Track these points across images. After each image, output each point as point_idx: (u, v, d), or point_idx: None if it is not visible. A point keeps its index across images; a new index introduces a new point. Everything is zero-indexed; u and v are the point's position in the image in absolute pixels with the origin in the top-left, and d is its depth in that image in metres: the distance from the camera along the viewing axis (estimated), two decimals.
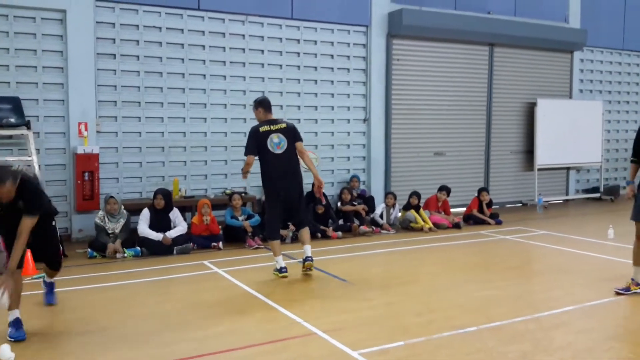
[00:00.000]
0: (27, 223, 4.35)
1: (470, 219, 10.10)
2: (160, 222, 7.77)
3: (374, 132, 10.75)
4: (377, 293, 5.81)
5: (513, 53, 12.08)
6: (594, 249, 7.79)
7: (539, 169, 12.19)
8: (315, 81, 10.28)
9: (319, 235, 8.80)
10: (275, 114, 9.79)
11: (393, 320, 4.93)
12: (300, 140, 6.53)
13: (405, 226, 9.58)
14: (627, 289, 5.56)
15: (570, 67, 12.90)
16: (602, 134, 12.96)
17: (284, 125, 6.47)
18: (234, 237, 8.29)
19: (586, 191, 13.40)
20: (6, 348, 4.05)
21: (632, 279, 5.60)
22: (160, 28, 9.04)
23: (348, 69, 10.57)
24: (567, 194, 13.11)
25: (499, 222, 10.02)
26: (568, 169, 13.05)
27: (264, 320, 4.96)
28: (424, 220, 9.49)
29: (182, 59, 9.23)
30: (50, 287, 5.38)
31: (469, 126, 11.76)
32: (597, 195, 13.15)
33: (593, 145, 12.80)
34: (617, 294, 5.55)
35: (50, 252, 5.09)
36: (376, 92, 10.69)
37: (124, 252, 7.53)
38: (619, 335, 4.64)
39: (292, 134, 6.45)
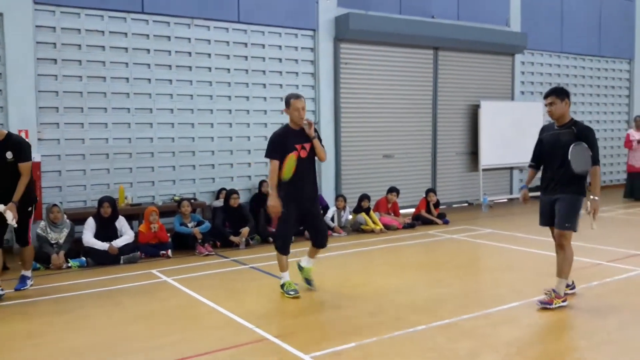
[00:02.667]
0: (26, 166, 5.60)
1: (418, 220, 10.28)
2: (106, 231, 7.57)
3: (324, 135, 10.74)
4: (328, 296, 5.83)
5: (457, 56, 12.38)
6: (537, 246, 8.06)
7: (484, 169, 12.53)
8: (264, 85, 10.25)
9: (271, 239, 8.76)
10: (224, 118, 9.87)
11: (345, 322, 4.96)
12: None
13: (356, 228, 9.66)
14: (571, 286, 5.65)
15: (511, 70, 13.33)
16: None
17: None
18: (183, 245, 8.16)
19: (529, 190, 13.79)
20: None
21: (554, 290, 5.31)
22: (103, 32, 8.82)
23: (297, 73, 10.59)
24: (511, 193, 13.53)
25: (446, 222, 10.23)
26: (511, 168, 13.47)
27: (215, 327, 4.89)
28: (374, 222, 9.60)
29: (126, 63, 9.02)
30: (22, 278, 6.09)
31: (416, 128, 11.97)
32: (539, 193, 13.56)
33: (534, 145, 13.20)
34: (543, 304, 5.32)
35: (20, 228, 5.79)
36: (325, 96, 10.75)
37: (69, 263, 7.29)
38: (561, 328, 4.81)
39: None
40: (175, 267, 7.26)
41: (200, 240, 8.10)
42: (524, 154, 12.97)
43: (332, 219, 9.62)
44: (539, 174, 5.75)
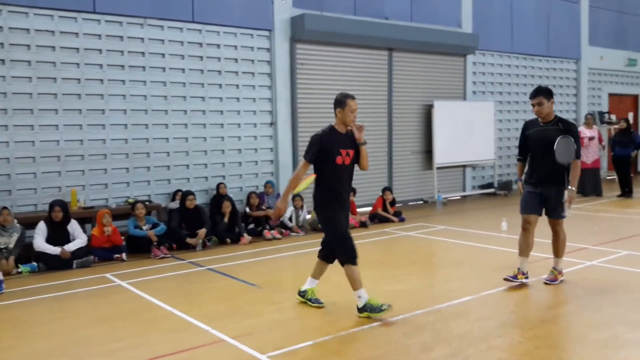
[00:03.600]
0: None
1: (375, 218, 10.42)
2: (58, 235, 7.41)
3: (281, 135, 10.82)
4: (286, 295, 5.87)
5: (410, 57, 12.59)
6: (489, 242, 8.30)
7: (438, 168, 12.79)
8: (220, 85, 10.20)
9: (228, 240, 8.76)
10: (179, 118, 9.79)
11: (302, 321, 5.02)
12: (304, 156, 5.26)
13: (315, 227, 9.72)
14: (515, 277, 5.97)
15: (463, 70, 13.64)
16: (494, 132, 13.81)
17: None
18: (138, 248, 8.05)
19: (482, 187, 14.23)
20: None
21: (519, 268, 5.99)
22: (53, 32, 8.61)
23: (253, 73, 10.57)
24: (464, 190, 13.85)
25: (402, 220, 10.42)
26: (464, 166, 13.79)
27: (171, 330, 4.87)
28: None
29: (78, 64, 8.83)
30: None
31: (372, 128, 12.11)
32: (492, 190, 14.00)
33: (486, 143, 13.60)
34: (506, 280, 5.97)
35: None
36: (282, 96, 10.78)
37: (19, 268, 7.10)
38: (511, 321, 4.97)
39: None
40: (130, 271, 7.17)
41: (155, 243, 8.01)
42: (476, 153, 13.42)
43: (290, 219, 9.66)
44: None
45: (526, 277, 5.99)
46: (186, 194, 8.68)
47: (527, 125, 6.09)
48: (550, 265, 6.12)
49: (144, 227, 8.20)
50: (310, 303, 5.36)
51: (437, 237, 8.93)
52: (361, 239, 8.93)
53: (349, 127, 5.24)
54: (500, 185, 14.08)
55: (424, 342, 4.41)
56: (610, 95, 17.76)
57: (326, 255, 5.34)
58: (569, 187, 5.67)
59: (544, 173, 5.80)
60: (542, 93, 5.78)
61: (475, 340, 4.45)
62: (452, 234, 9.12)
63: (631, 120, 16.28)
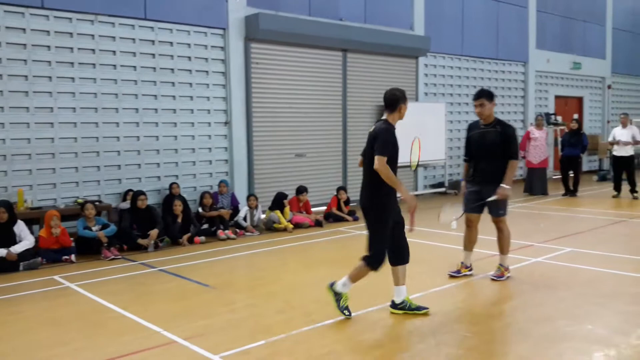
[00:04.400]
0: None
1: (330, 217, 10.51)
2: (3, 236, 7.18)
3: (236, 134, 10.78)
4: (239, 296, 5.88)
5: (364, 58, 12.73)
6: (439, 239, 8.49)
7: None
8: (173, 83, 10.07)
9: (181, 241, 8.66)
10: (131, 117, 9.63)
11: (255, 321, 5.03)
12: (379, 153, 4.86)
13: (269, 227, 9.74)
14: (458, 272, 6.23)
15: (416, 72, 13.89)
16: (445, 133, 14.11)
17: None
18: (88, 249, 7.88)
19: (433, 186, 14.52)
20: None
21: (462, 262, 6.33)
22: None
23: (207, 72, 10.49)
24: (416, 189, 14.11)
25: (356, 219, 10.54)
26: (416, 166, 14.00)
27: (121, 332, 4.81)
28: (288, 220, 9.73)
29: (25, 60, 8.57)
30: None
31: (327, 128, 12.21)
32: (443, 189, 14.31)
33: (438, 143, 13.89)
34: (451, 276, 6.19)
35: None
36: (236, 95, 10.73)
37: None
38: (458, 317, 5.13)
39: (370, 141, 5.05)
40: (79, 273, 7.02)
41: (105, 244, 7.86)
42: (428, 152, 13.59)
43: (245, 219, 9.65)
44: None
45: (470, 270, 6.31)
46: (137, 194, 8.55)
47: (470, 126, 6.35)
48: (496, 262, 6.34)
49: (94, 228, 8.04)
50: (415, 312, 5.08)
51: None
52: (316, 238, 9.02)
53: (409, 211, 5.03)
54: (451, 185, 14.40)
55: (376, 338, 4.51)
56: (557, 97, 18.40)
57: (395, 257, 5.19)
58: (502, 184, 5.89)
59: (484, 173, 6.04)
60: (485, 95, 6.00)
61: (425, 335, 4.58)
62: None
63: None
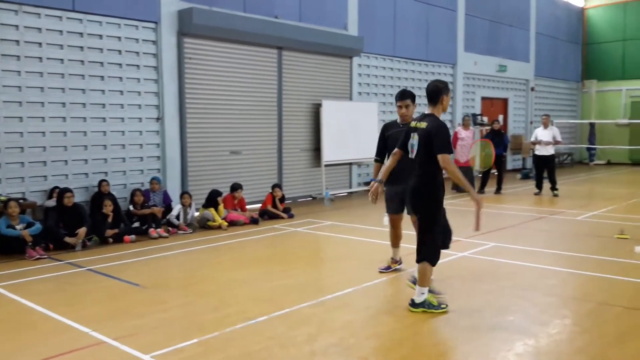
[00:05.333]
0: None
1: (265, 214, 10.53)
2: None
3: (169, 131, 10.58)
4: (172, 294, 5.81)
5: (300, 57, 12.81)
6: (372, 236, 8.70)
7: (326, 165, 13.15)
8: (102, 77, 9.77)
9: (111, 240, 8.44)
10: (57, 112, 9.27)
11: (188, 320, 5.00)
12: (443, 151, 4.90)
13: (203, 225, 9.64)
14: (388, 267, 6.42)
15: (350, 71, 14.10)
16: (378, 132, 14.35)
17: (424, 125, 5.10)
18: (11, 249, 7.54)
19: (366, 184, 14.77)
20: None
21: (392, 258, 6.53)
22: None
23: (138, 66, 10.24)
24: (350, 187, 14.35)
25: (291, 216, 10.60)
26: (350, 164, 14.27)
27: (49, 333, 4.66)
28: (222, 218, 9.66)
29: None
30: None
31: (262, 125, 12.20)
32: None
33: (371, 142, 14.08)
34: (381, 272, 6.39)
35: None
36: (169, 90, 10.53)
37: None
38: (389, 309, 5.29)
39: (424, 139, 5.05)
40: (3, 273, 6.71)
41: (30, 243, 7.55)
42: (362, 151, 13.91)
43: (178, 217, 9.50)
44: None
45: (399, 264, 6.54)
46: (63, 191, 8.26)
47: (387, 126, 6.38)
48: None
49: (18, 227, 7.70)
50: (434, 310, 5.12)
51: (324, 233, 9.21)
52: (250, 236, 9.01)
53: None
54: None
55: (309, 333, 4.58)
56: (483, 98, 19.17)
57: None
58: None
59: (404, 172, 6.10)
60: (410, 96, 6.13)
61: (357, 329, 4.70)
62: (339, 229, 9.44)
63: (501, 122, 17.68)
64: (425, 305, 5.09)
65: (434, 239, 5.11)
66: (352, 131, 13.46)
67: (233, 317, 4.97)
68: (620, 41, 23.23)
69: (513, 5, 20.06)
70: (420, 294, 5.10)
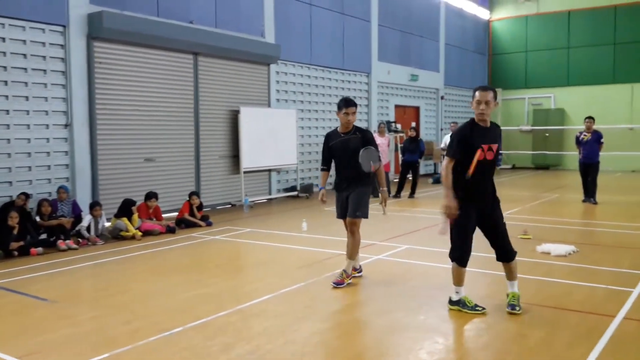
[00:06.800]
0: None
1: (182, 223, 10.32)
2: None
3: (78, 138, 10.16)
4: (82, 308, 5.59)
5: (216, 63, 12.70)
6: (291, 242, 8.75)
7: (245, 172, 13.09)
8: (6, 82, 9.25)
9: (16, 253, 7.98)
10: None
11: (98, 334, 4.82)
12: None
13: (115, 235, 9.32)
14: (343, 282, 6.25)
15: (267, 78, 14.13)
16: (296, 138, 14.53)
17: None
18: None
19: (286, 190, 14.88)
20: None
21: (344, 270, 6.27)
22: None
23: (45, 71, 9.77)
24: (270, 194, 14.36)
25: (209, 224, 10.47)
26: (270, 170, 14.29)
27: None
28: (136, 228, 9.38)
29: None
30: None
31: (178, 132, 11.97)
32: (295, 193, 14.71)
33: (289, 148, 14.27)
34: (335, 287, 6.14)
35: None
36: (78, 96, 10.12)
37: None
38: (306, 315, 5.33)
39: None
40: None
41: None
42: (280, 157, 14.01)
43: (88, 228, 9.13)
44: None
45: (359, 272, 6.57)
46: None
47: (329, 136, 6.50)
48: (342, 261, 6.66)
49: None
50: (472, 311, 5.24)
51: (243, 240, 9.16)
52: (166, 245, 8.81)
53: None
54: (302, 189, 14.86)
55: (225, 342, 4.56)
56: (396, 106, 19.80)
57: (499, 254, 5.34)
58: (381, 188, 6.40)
59: (349, 179, 6.31)
60: (354, 105, 6.33)
61: (274, 335, 4.72)
62: (258, 235, 9.43)
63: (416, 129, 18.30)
64: (460, 304, 5.29)
65: (453, 239, 5.32)
66: (271, 137, 13.50)
67: (147, 330, 4.85)
68: (523, 52, 24.74)
69: (423, 17, 20.87)
70: (455, 293, 5.34)
